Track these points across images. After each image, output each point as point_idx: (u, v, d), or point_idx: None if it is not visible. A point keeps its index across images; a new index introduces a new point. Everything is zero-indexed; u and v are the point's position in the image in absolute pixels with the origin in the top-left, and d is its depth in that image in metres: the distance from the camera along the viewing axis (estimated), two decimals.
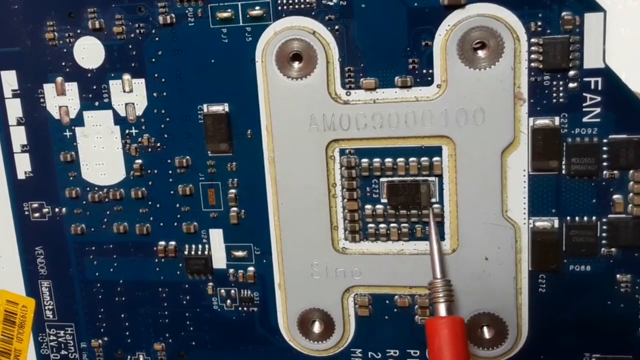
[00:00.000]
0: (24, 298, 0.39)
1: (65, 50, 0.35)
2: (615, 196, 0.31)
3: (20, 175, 0.37)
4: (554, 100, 0.31)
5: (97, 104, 0.35)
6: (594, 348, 0.33)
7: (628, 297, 0.32)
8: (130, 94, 0.35)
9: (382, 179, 0.33)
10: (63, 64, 0.35)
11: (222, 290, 0.36)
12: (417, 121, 0.32)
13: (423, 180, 0.32)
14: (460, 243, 0.32)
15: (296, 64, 0.32)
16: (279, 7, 0.32)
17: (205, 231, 0.36)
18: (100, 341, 0.39)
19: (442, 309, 0.31)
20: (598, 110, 0.30)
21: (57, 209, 0.37)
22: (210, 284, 0.36)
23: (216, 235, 0.36)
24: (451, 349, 0.29)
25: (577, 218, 0.32)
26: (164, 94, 0.34)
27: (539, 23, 0.30)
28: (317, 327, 0.35)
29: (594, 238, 0.31)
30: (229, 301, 0.36)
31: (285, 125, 0.33)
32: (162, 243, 0.36)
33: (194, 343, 0.37)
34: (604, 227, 0.31)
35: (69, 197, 0.37)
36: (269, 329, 0.36)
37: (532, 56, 0.30)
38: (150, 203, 0.36)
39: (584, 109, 0.30)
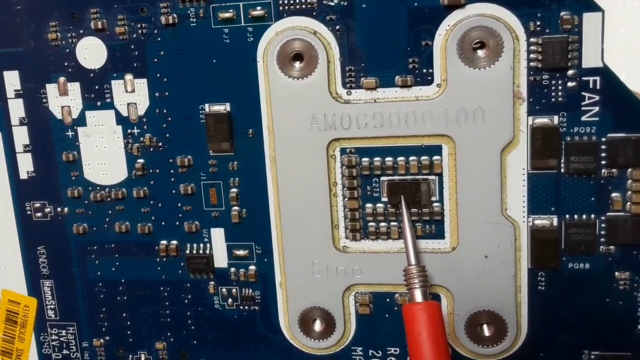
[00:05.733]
0: (26, 298, 0.39)
1: (67, 50, 0.35)
2: (613, 194, 0.31)
3: (23, 175, 0.37)
4: (553, 99, 0.31)
5: (99, 104, 0.35)
6: (593, 345, 0.33)
7: (627, 295, 0.32)
8: (133, 94, 0.35)
9: (382, 178, 0.33)
10: (65, 64, 0.35)
11: (224, 289, 0.36)
12: (417, 120, 0.32)
13: (423, 179, 0.33)
14: (460, 241, 0.33)
15: (297, 64, 0.32)
16: (280, 8, 0.32)
17: (206, 230, 0.36)
18: (101, 340, 0.39)
19: (418, 295, 0.31)
20: (597, 109, 0.31)
21: (59, 209, 0.37)
22: (212, 283, 0.36)
23: (218, 235, 0.36)
24: (430, 333, 0.30)
25: (576, 216, 0.32)
26: (166, 93, 0.35)
27: (538, 23, 0.30)
28: (318, 326, 0.35)
29: (593, 236, 0.32)
30: (230, 300, 0.36)
31: (286, 125, 0.33)
32: (164, 242, 0.36)
33: (195, 342, 0.38)
34: (603, 225, 0.31)
35: (71, 196, 0.37)
36: (270, 327, 0.36)
37: (531, 55, 0.30)
38: (152, 202, 0.36)
39: (583, 108, 0.31)
